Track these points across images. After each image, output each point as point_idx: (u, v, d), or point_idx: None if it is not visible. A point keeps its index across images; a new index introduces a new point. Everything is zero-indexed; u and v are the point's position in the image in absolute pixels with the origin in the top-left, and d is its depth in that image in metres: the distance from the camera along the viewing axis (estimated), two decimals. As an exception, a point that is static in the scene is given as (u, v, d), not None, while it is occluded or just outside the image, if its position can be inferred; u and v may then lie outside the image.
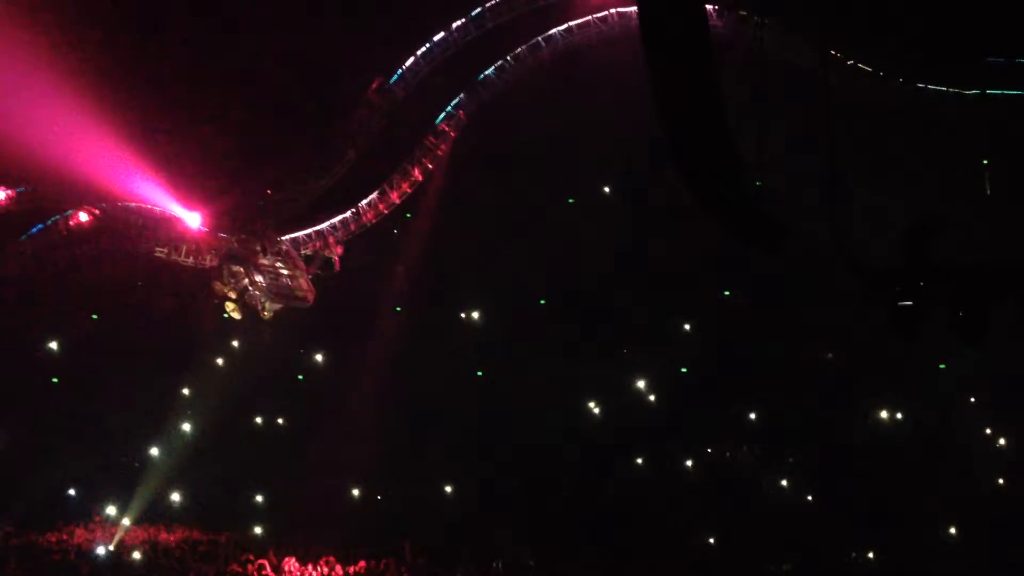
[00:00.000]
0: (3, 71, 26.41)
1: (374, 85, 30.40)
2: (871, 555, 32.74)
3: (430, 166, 30.88)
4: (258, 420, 35.08)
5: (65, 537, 31.62)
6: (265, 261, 29.76)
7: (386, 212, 31.47)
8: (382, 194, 31.23)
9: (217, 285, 29.77)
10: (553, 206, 33.74)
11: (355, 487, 34.58)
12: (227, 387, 33.48)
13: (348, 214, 31.33)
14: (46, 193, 30.27)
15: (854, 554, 32.85)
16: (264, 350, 33.28)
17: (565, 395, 34.55)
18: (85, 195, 30.31)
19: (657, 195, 30.27)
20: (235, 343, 34.53)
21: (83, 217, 30.85)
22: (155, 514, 32.98)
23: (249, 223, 30.10)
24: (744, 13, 27.56)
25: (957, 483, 32.19)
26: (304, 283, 30.33)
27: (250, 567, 30.38)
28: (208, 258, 29.68)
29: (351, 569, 31.01)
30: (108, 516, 32.91)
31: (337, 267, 31.07)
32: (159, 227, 29.98)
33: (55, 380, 33.36)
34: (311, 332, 33.99)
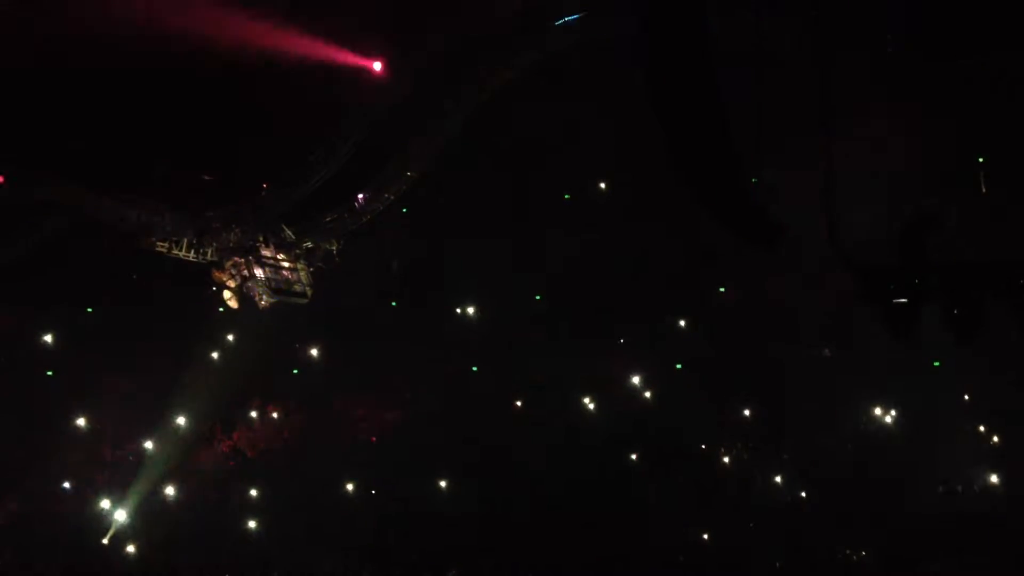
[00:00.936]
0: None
1: (371, 75, 30.37)
2: (864, 553, 32.83)
3: (426, 162, 30.83)
4: (253, 415, 35.04)
5: None
6: (267, 253, 29.76)
7: (381, 208, 31.44)
8: (377, 190, 31.21)
9: (216, 272, 29.75)
10: (549, 203, 33.76)
11: (349, 483, 34.58)
12: (223, 381, 33.49)
13: (344, 210, 31.31)
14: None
15: (847, 551, 32.94)
16: (261, 343, 33.26)
17: (560, 391, 34.58)
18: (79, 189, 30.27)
19: (654, 192, 30.29)
20: (230, 337, 34.51)
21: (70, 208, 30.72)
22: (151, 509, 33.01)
23: (246, 218, 30.08)
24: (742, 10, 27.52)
25: (951, 481, 32.28)
26: (305, 277, 30.35)
27: None
28: (210, 252, 29.64)
29: None
30: (103, 510, 32.94)
31: (337, 259, 31.08)
32: (154, 220, 29.92)
33: (50, 373, 33.30)
34: (306, 327, 33.97)
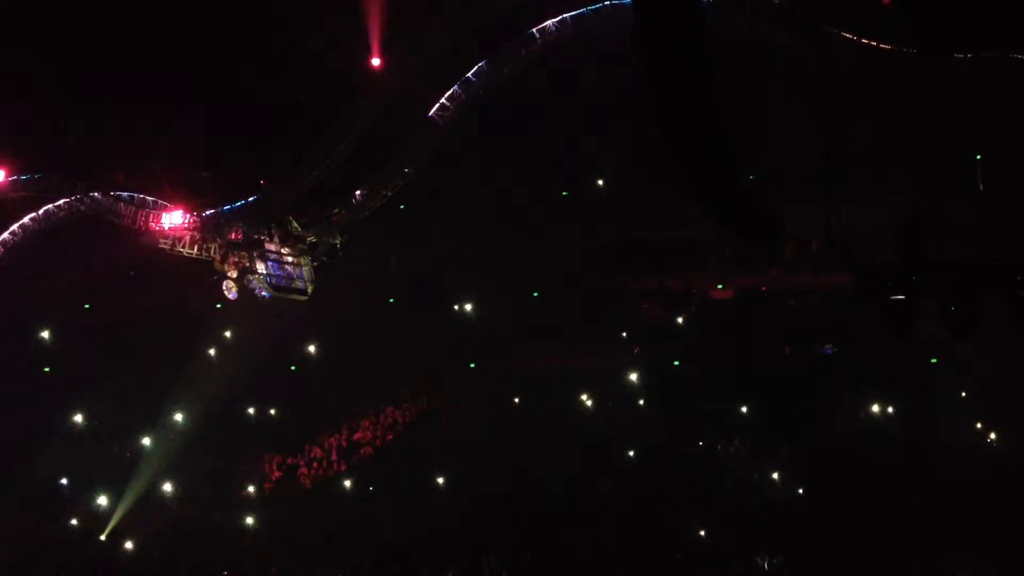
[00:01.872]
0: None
1: (370, 68, 30.40)
2: (861, 548, 32.84)
3: (423, 159, 30.83)
4: (250, 411, 35.05)
5: None
6: (271, 247, 29.79)
7: (379, 205, 31.44)
8: (375, 187, 31.21)
9: (218, 261, 29.75)
10: (547, 200, 33.79)
11: (347, 479, 34.60)
12: (220, 378, 33.51)
13: (343, 206, 31.33)
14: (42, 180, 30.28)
15: (845, 547, 32.94)
16: (259, 340, 33.26)
17: (557, 388, 34.61)
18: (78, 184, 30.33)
19: (652, 189, 30.32)
20: (227, 334, 34.53)
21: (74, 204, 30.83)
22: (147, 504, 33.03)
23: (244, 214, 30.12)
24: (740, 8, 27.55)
25: (948, 477, 32.29)
26: (307, 273, 30.39)
27: None
28: (213, 248, 29.66)
29: None
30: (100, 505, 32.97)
31: (341, 254, 31.11)
32: (153, 216, 29.94)
33: (47, 369, 33.31)
34: (305, 323, 33.98)
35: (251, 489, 33.98)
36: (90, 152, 30.21)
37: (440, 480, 34.36)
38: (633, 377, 34.98)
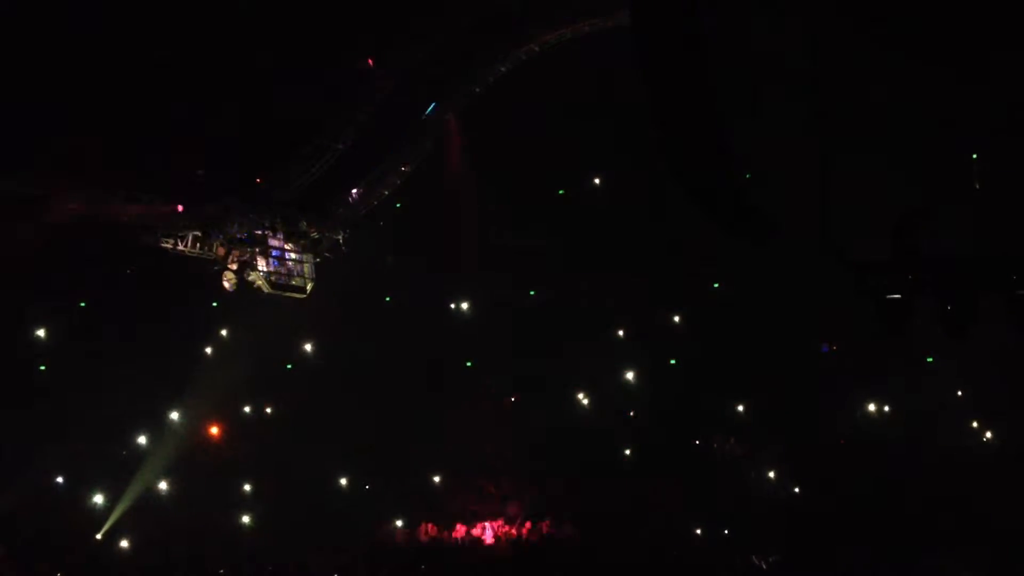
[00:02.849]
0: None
1: (365, 67, 30.37)
2: (858, 546, 32.87)
3: (420, 158, 30.82)
4: (247, 409, 35.00)
5: None
6: (275, 242, 29.76)
7: (376, 203, 31.42)
8: (372, 185, 31.19)
9: (220, 250, 29.69)
10: (544, 198, 33.79)
11: (343, 477, 34.57)
12: (218, 376, 33.47)
13: (340, 204, 31.33)
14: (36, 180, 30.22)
15: (841, 546, 32.96)
16: (257, 339, 33.21)
17: (553, 386, 34.61)
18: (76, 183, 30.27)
19: (649, 187, 30.31)
20: (224, 332, 34.49)
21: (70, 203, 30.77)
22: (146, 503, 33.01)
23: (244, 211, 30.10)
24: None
25: (944, 475, 32.33)
26: (308, 270, 30.39)
27: None
28: (215, 245, 29.62)
29: None
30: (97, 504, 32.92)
31: (344, 249, 31.11)
32: (150, 214, 29.91)
33: (42, 368, 33.25)
34: (302, 322, 33.93)
35: (247, 488, 33.97)
36: (88, 150, 30.15)
37: (437, 479, 34.44)
38: (630, 376, 34.98)
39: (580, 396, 35.01)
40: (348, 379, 34.23)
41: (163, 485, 33.42)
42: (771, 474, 34.31)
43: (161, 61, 29.16)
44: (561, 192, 34.64)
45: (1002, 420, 33.60)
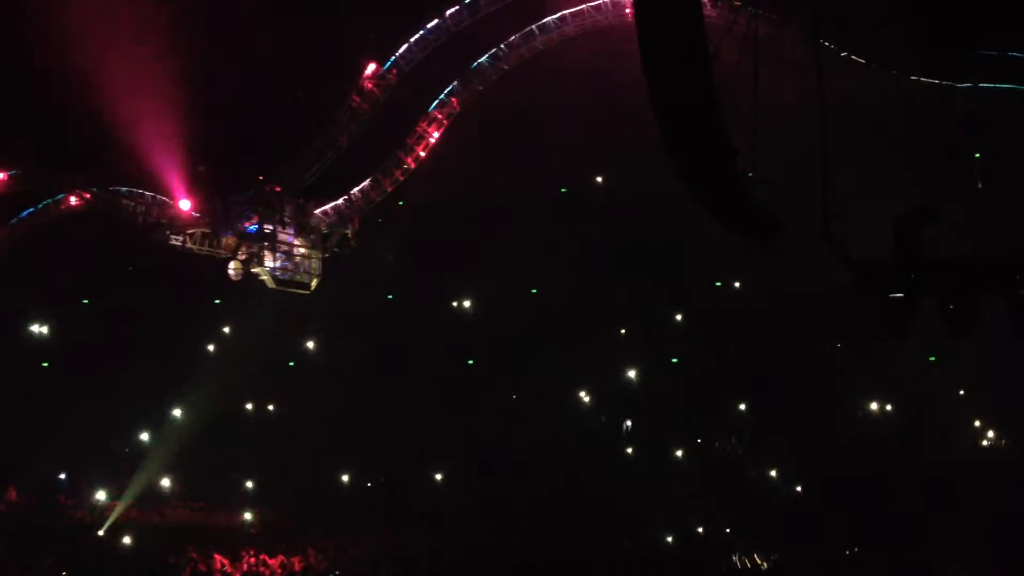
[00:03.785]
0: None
1: (368, 72, 30.36)
2: (859, 545, 32.89)
3: (423, 154, 30.84)
4: (248, 406, 35.04)
5: None
6: (285, 237, 29.82)
7: (378, 200, 31.44)
8: (375, 182, 31.21)
9: (229, 240, 29.76)
10: (546, 196, 33.78)
11: (345, 474, 34.62)
12: (220, 373, 33.49)
13: (340, 201, 31.34)
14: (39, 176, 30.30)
15: (842, 544, 32.97)
16: (258, 336, 33.23)
17: (555, 384, 34.61)
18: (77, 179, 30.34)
19: (651, 186, 30.23)
20: (226, 330, 34.53)
21: (73, 201, 30.88)
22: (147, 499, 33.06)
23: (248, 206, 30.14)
24: (738, 3, 27.50)
25: (945, 475, 32.31)
26: (316, 266, 30.46)
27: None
28: (223, 241, 29.70)
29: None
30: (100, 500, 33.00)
31: (353, 243, 31.16)
32: (153, 210, 29.97)
33: (45, 364, 33.30)
34: (304, 319, 33.97)
35: (249, 484, 34.02)
36: (89, 147, 30.19)
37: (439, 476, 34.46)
38: (632, 375, 34.98)
39: (582, 394, 35.02)
40: (348, 377, 34.27)
41: (165, 482, 33.50)
42: (772, 473, 34.32)
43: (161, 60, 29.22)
44: (564, 190, 34.63)
45: (1004, 419, 33.58)
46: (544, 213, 33.32)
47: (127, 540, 32.32)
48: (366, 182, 31.24)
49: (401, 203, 33.16)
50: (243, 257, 29.58)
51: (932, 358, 32.74)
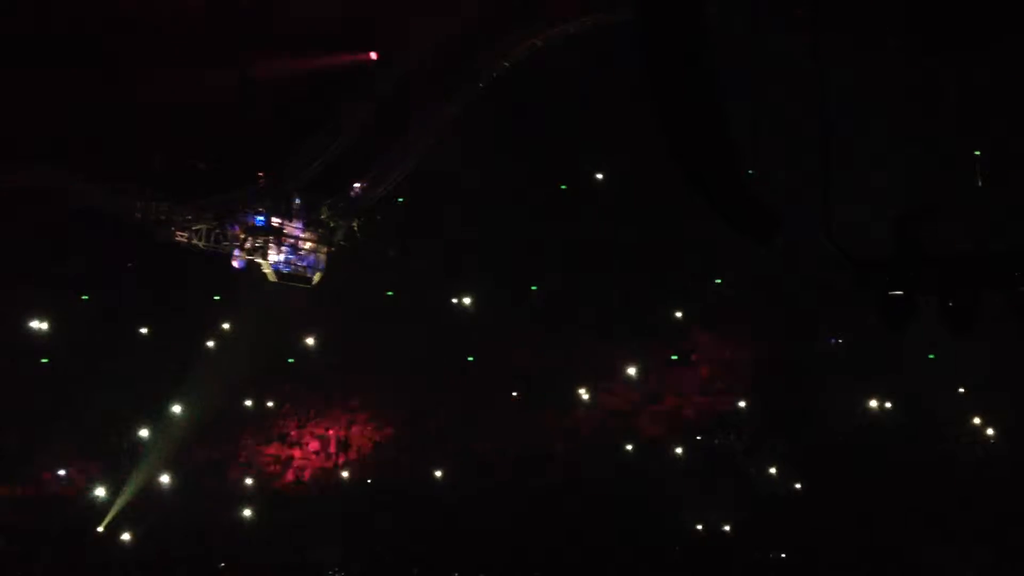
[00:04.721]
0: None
1: (368, 63, 30.43)
2: (859, 542, 32.90)
3: (424, 152, 30.85)
4: (248, 403, 35.01)
5: None
6: (292, 231, 29.84)
7: (381, 195, 31.47)
8: (375, 179, 31.23)
9: (240, 232, 29.79)
10: (546, 193, 33.79)
11: (344, 471, 34.61)
12: (219, 369, 33.50)
13: (346, 195, 31.38)
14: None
15: (843, 541, 32.98)
16: (257, 333, 33.23)
17: (555, 382, 34.61)
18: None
19: (651, 183, 30.27)
20: (226, 325, 34.52)
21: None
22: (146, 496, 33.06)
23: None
24: None
25: (945, 473, 32.34)
26: (320, 259, 30.50)
27: None
28: (228, 238, 29.72)
29: None
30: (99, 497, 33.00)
31: (359, 236, 31.19)
32: (159, 208, 30.01)
33: (45, 360, 33.29)
34: (304, 315, 33.95)
35: (249, 481, 34.01)
36: (89, 145, 30.21)
37: (438, 474, 34.45)
38: (632, 371, 34.97)
39: (581, 392, 35.01)
40: (347, 373, 34.27)
41: (164, 478, 33.49)
42: (772, 470, 34.31)
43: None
44: (564, 187, 34.62)
45: (1004, 418, 33.56)
46: (544, 209, 33.33)
47: (126, 537, 32.35)
48: (368, 177, 31.28)
49: (400, 200, 33.16)
50: (248, 245, 29.61)
51: (931, 356, 32.73)
